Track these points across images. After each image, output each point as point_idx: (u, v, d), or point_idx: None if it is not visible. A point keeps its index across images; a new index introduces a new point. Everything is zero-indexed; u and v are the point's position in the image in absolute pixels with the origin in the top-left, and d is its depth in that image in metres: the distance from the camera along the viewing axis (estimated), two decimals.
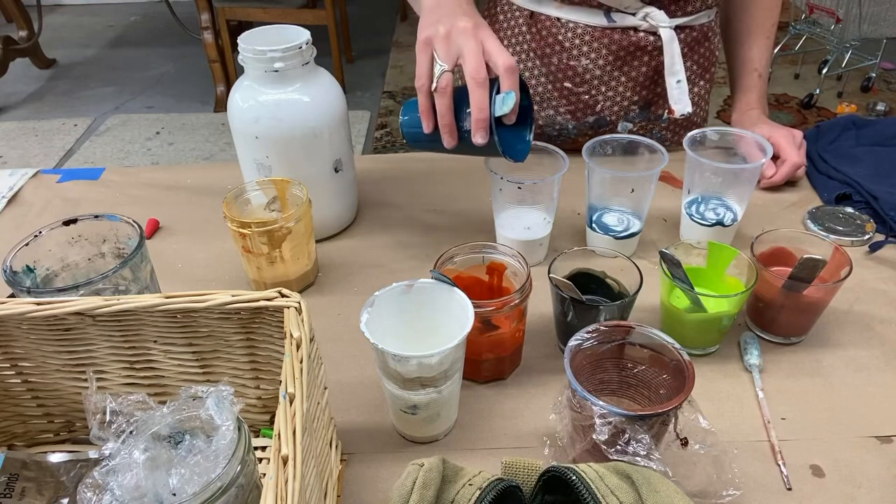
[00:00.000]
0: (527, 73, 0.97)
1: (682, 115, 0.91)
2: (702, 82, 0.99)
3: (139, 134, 2.88)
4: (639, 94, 0.94)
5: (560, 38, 0.91)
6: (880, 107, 2.81)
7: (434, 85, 0.65)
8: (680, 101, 0.90)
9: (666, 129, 1.00)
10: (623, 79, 0.92)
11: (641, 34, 0.89)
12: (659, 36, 0.88)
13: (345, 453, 0.59)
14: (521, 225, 0.78)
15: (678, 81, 0.90)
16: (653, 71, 0.92)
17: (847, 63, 2.94)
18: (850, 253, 0.82)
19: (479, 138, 0.64)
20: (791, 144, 0.90)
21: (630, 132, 0.97)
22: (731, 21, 1.00)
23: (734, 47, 1.00)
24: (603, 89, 0.93)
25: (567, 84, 0.94)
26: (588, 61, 0.91)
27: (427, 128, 0.68)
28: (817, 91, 2.91)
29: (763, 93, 0.98)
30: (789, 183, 0.93)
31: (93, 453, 0.54)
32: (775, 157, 0.91)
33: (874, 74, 3.00)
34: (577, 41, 0.90)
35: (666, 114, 0.97)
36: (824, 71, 2.93)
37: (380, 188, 0.95)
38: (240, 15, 2.90)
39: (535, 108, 0.98)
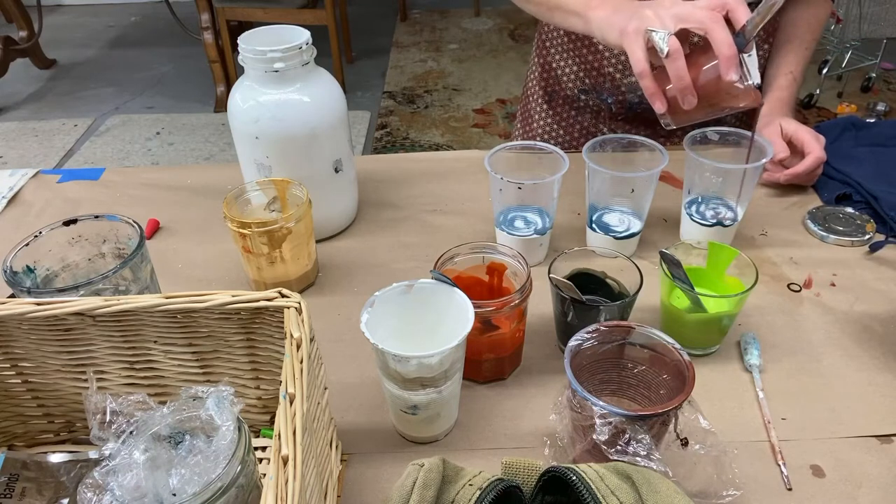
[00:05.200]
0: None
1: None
2: (766, 46, 1.01)
3: (139, 134, 2.88)
4: None
5: None
6: (880, 107, 2.81)
7: (665, 51, 0.65)
8: (750, 71, 0.92)
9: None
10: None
11: None
12: None
13: (345, 453, 0.59)
14: (521, 225, 0.78)
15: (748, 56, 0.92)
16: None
17: (847, 63, 2.94)
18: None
19: (733, 74, 0.65)
20: (816, 141, 0.90)
21: None
22: (773, 34, 1.02)
23: (772, 55, 1.02)
24: None
25: None
26: None
27: (661, 107, 0.69)
28: (817, 91, 2.91)
29: (794, 95, 0.99)
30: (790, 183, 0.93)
31: (93, 453, 0.54)
32: (797, 152, 0.90)
33: (874, 74, 3.00)
34: None
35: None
36: (824, 71, 2.93)
37: (380, 188, 0.95)
38: (240, 15, 2.90)
39: (618, 76, 1.01)
